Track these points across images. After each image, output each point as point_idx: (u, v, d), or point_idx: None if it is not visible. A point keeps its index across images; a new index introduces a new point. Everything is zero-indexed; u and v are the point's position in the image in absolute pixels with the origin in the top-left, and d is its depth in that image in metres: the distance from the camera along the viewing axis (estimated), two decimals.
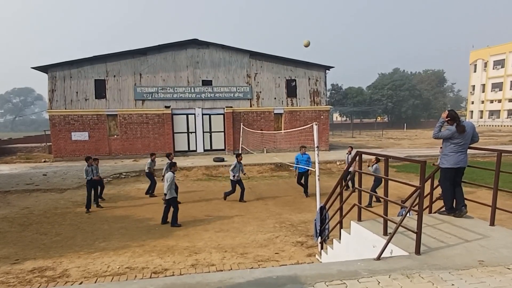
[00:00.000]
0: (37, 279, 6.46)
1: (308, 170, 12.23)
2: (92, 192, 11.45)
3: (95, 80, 21.64)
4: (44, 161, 22.01)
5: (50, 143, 23.18)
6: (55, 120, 21.29)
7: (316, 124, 7.73)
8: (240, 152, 12.46)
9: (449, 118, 5.29)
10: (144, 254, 7.57)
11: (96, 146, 21.87)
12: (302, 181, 12.66)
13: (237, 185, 11.99)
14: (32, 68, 20.98)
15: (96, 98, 21.73)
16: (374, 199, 11.00)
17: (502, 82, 59.64)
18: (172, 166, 10.03)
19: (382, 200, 8.78)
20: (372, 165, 10.95)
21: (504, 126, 56.81)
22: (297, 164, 12.48)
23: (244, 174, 12.72)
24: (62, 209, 11.35)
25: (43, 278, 6.49)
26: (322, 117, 24.66)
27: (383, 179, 4.91)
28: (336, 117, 78.74)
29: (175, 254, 7.57)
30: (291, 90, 24.28)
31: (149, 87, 22.20)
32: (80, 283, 6.23)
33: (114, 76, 21.82)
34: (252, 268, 6.62)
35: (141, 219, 10.26)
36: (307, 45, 14.02)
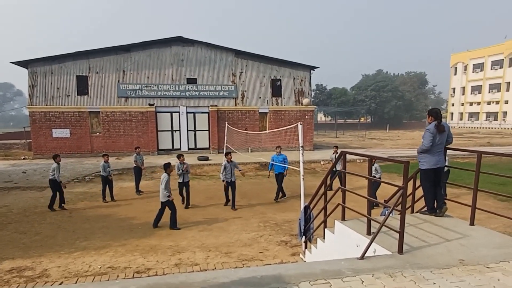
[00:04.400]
0: (15, 280, 6.29)
1: (285, 171, 11.96)
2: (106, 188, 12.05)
3: (77, 76, 21.18)
4: (24, 158, 21.43)
5: (30, 140, 22.58)
6: (35, 116, 20.77)
7: (301, 124, 7.76)
8: (229, 151, 11.86)
9: (431, 116, 5.32)
10: (127, 254, 7.47)
11: (78, 144, 21.44)
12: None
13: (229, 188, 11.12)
14: (11, 63, 20.40)
15: (78, 94, 21.27)
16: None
17: (481, 85, 61.35)
18: (167, 168, 9.41)
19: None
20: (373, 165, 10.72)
21: (483, 128, 58.42)
22: (273, 164, 12.02)
23: (240, 170, 11.59)
24: (42, 208, 11.08)
25: (22, 278, 6.34)
26: (306, 117, 24.81)
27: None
28: (321, 117, 79.30)
29: (158, 253, 7.49)
30: (276, 89, 24.34)
31: (132, 84, 21.87)
32: (60, 284, 6.10)
33: (97, 72, 21.42)
34: (236, 267, 6.61)
35: (124, 218, 10.12)
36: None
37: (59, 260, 7.14)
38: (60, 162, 11.12)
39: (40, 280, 6.30)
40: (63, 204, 11.10)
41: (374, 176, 10.40)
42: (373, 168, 10.47)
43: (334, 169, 6.73)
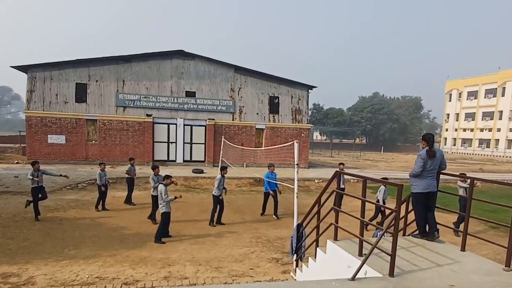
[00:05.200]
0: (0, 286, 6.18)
1: (277, 189, 11.95)
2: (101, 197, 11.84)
3: (76, 83, 21.26)
4: (17, 163, 21.29)
5: (25, 145, 22.46)
6: (31, 121, 20.71)
7: (297, 142, 7.83)
8: (225, 166, 11.73)
9: (424, 140, 5.45)
10: (116, 264, 7.39)
11: (73, 151, 21.34)
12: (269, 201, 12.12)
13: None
14: (11, 67, 20.44)
15: (76, 101, 21.31)
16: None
17: (474, 113, 62.20)
18: (165, 179, 9.25)
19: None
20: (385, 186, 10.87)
21: (475, 154, 58.95)
22: (268, 183, 11.81)
23: (224, 188, 11.09)
24: (32, 213, 10.92)
25: (7, 285, 6.23)
26: (302, 135, 24.97)
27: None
28: (316, 136, 79.80)
29: (148, 265, 7.42)
30: (274, 106, 24.56)
31: (131, 94, 21.97)
32: None
33: (97, 81, 21.51)
34: (226, 283, 6.57)
35: (115, 228, 10.02)
36: None
37: (46, 268, 7.04)
38: (39, 169, 10.60)
39: (25, 287, 6.21)
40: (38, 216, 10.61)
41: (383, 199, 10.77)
42: (384, 191, 10.95)
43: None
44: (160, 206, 8.99)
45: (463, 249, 5.18)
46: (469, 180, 10.34)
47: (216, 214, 10.86)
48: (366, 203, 4.90)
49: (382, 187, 10.96)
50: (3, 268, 6.95)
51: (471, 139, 62.92)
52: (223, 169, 11.11)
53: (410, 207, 5.84)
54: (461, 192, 10.41)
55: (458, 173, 9.43)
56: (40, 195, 10.62)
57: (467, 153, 60.77)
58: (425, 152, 5.32)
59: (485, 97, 60.28)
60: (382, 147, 59.36)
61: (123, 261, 7.55)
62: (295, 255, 6.77)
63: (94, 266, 7.23)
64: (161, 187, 8.95)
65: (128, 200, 13.02)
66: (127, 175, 13.02)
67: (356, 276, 4.09)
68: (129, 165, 13.06)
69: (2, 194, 13.30)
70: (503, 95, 57.07)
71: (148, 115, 22.18)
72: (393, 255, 4.08)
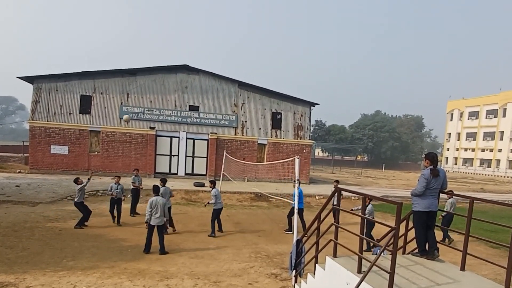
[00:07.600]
0: None
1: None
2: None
3: (81, 95, 21.52)
4: (19, 172, 21.36)
5: (28, 154, 22.57)
6: (35, 131, 20.89)
7: (298, 158, 7.89)
8: (213, 180, 11.85)
9: (427, 160, 5.49)
10: (114, 276, 7.36)
11: (75, 161, 21.44)
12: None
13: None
14: (17, 78, 20.73)
15: (80, 113, 21.53)
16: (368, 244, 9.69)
17: (476, 133, 62.28)
18: (158, 191, 9.47)
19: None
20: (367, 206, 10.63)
21: (477, 174, 58.73)
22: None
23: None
24: (32, 223, 10.96)
25: None
26: (304, 151, 25.05)
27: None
28: (318, 152, 79.80)
29: (146, 278, 7.39)
30: (276, 122, 24.72)
31: (135, 107, 22.19)
32: None
33: (101, 93, 21.77)
34: None
35: (114, 239, 10.01)
36: (126, 120, 16.39)
37: (43, 278, 7.02)
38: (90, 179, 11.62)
39: None
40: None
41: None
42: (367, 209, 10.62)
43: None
44: (160, 218, 8.98)
45: (462, 268, 5.17)
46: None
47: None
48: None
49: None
50: (1, 277, 6.93)
51: (472, 158, 62.83)
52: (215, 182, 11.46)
53: (410, 225, 5.85)
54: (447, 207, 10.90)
55: (452, 192, 9.45)
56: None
57: (468, 173, 60.56)
58: (429, 171, 5.35)
59: (486, 118, 60.46)
60: (384, 165, 59.29)
61: (121, 273, 7.52)
62: (294, 271, 6.75)
63: (92, 278, 7.20)
64: (162, 201, 9.02)
65: (133, 211, 13.05)
66: (133, 186, 13.06)
67: None
68: (133, 176, 13.15)
69: (2, 203, 13.31)
70: (504, 116, 57.24)
71: (151, 128, 22.35)
72: (392, 273, 4.08)
